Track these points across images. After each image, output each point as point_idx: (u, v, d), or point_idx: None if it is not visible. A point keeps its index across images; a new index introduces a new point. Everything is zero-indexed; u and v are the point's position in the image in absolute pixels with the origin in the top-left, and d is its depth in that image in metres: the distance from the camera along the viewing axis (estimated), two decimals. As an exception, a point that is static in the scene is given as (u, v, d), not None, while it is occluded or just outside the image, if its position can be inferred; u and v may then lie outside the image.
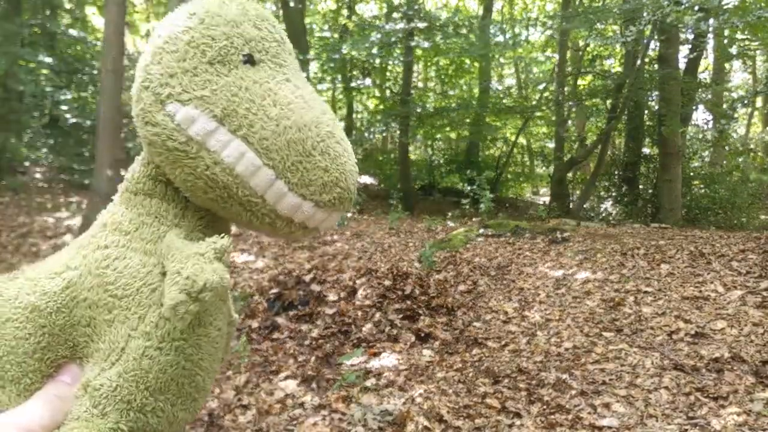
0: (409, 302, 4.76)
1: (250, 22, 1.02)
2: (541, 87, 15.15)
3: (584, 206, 12.69)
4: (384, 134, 19.08)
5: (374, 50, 12.52)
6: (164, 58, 1.05)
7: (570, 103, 13.65)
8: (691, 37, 11.37)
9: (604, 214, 12.39)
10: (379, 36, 12.74)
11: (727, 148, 13.71)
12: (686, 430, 2.89)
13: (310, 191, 0.93)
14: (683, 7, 8.55)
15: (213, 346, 1.10)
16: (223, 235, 1.04)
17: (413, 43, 12.59)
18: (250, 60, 0.98)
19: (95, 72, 11.37)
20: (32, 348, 1.05)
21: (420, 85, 20.36)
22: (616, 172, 13.32)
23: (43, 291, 1.06)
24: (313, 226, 0.97)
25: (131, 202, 1.09)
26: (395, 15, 12.79)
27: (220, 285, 0.96)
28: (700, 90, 12.00)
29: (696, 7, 8.71)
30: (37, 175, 10.87)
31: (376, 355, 3.99)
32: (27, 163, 11.02)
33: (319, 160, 0.92)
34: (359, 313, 4.58)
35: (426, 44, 13.04)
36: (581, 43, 14.23)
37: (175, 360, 1.04)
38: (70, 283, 1.06)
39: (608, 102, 13.05)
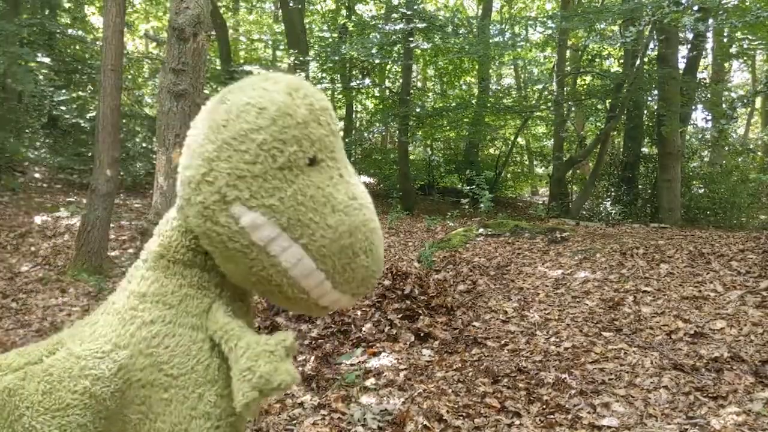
0: (408, 302, 4.76)
1: (316, 119, 1.01)
2: (540, 87, 15.14)
3: (583, 206, 12.69)
4: (383, 134, 19.06)
5: (374, 50, 12.51)
6: (234, 158, 1.00)
7: (569, 102, 13.65)
8: (690, 36, 11.38)
9: (603, 214, 12.38)
10: (378, 36, 12.74)
11: (726, 148, 13.71)
12: (686, 429, 2.89)
13: (351, 287, 0.98)
14: (683, 7, 8.55)
15: (246, 414, 1.13)
16: (288, 329, 1.08)
17: (413, 44, 12.58)
18: (313, 161, 0.98)
19: (94, 72, 11.35)
20: None
21: (419, 84, 20.35)
22: (615, 172, 13.31)
23: (96, 376, 1.03)
24: (335, 308, 1.04)
25: (170, 270, 1.06)
26: (394, 15, 12.77)
27: (293, 383, 0.99)
28: (699, 90, 12.00)
29: (695, 7, 8.71)
30: (36, 175, 10.85)
31: (375, 354, 3.99)
32: (26, 163, 11.00)
33: (363, 260, 0.97)
34: (359, 312, 4.58)
35: (425, 45, 13.03)
36: (581, 41, 14.23)
37: None
38: (122, 366, 1.04)
39: (607, 102, 13.04)
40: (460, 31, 13.36)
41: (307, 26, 15.98)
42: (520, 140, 17.21)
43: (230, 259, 1.02)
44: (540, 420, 3.05)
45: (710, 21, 9.31)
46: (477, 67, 15.62)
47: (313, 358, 4.02)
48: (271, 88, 1.01)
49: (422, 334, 4.35)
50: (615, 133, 13.85)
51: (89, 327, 1.11)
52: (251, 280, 1.02)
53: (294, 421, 3.07)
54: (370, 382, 3.53)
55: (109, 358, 1.08)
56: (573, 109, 14.36)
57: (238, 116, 0.99)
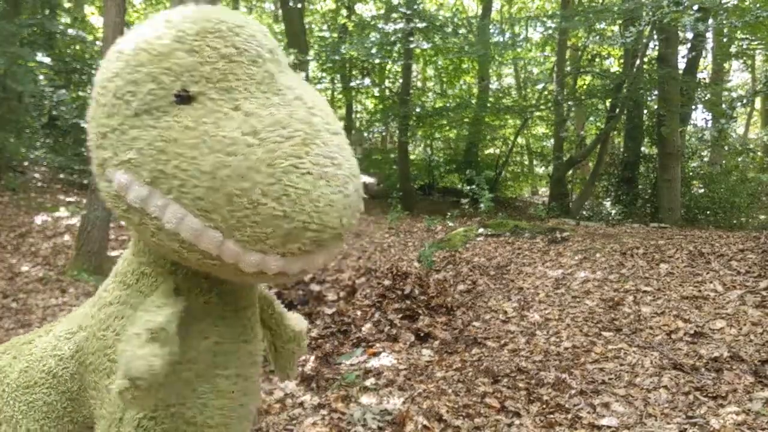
0: (408, 302, 4.76)
1: (185, 47, 0.82)
2: (540, 87, 15.14)
3: (583, 206, 12.69)
4: (383, 134, 19.07)
5: (373, 50, 12.51)
6: (97, 115, 0.86)
7: (569, 102, 13.65)
8: (690, 36, 11.38)
9: (603, 214, 12.38)
10: (378, 36, 12.74)
11: (726, 147, 13.70)
12: (685, 429, 2.89)
13: (270, 245, 0.75)
14: (682, 7, 8.55)
15: (227, 396, 1.00)
16: (164, 304, 0.89)
17: (413, 44, 12.58)
18: (183, 98, 0.80)
19: (94, 72, 11.36)
20: (61, 413, 1.01)
21: (419, 84, 20.35)
22: (615, 172, 13.31)
23: (59, 356, 1.01)
24: (295, 273, 0.81)
25: (138, 248, 0.96)
26: (394, 15, 12.77)
27: (149, 373, 0.80)
28: (699, 90, 12.00)
29: (695, 7, 8.71)
30: (36, 175, 10.85)
31: (375, 354, 3.99)
32: (26, 163, 11.00)
33: (271, 208, 0.73)
34: (358, 312, 4.58)
35: (425, 44, 13.04)
36: (581, 41, 14.23)
37: (173, 427, 0.91)
38: (78, 347, 1.00)
39: (607, 102, 13.04)
40: (460, 31, 13.36)
41: (307, 26, 15.98)
42: (520, 140, 17.21)
43: (130, 226, 0.89)
44: (540, 420, 3.05)
45: (710, 21, 9.31)
46: (477, 66, 15.62)
47: (312, 358, 4.02)
48: (150, 24, 0.86)
49: (422, 334, 4.35)
50: (615, 132, 13.86)
51: (82, 306, 1.11)
52: (162, 252, 0.87)
53: (294, 421, 3.07)
54: (370, 382, 3.53)
55: (72, 340, 1.05)
56: (573, 109, 14.35)
57: (101, 67, 0.89)
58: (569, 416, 3.07)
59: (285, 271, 0.82)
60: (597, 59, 14.75)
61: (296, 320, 1.41)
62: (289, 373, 1.42)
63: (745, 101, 13.01)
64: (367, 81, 15.72)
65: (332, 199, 0.76)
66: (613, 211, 12.09)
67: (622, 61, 13.37)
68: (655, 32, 10.35)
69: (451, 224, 9.05)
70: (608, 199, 13.26)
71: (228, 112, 0.79)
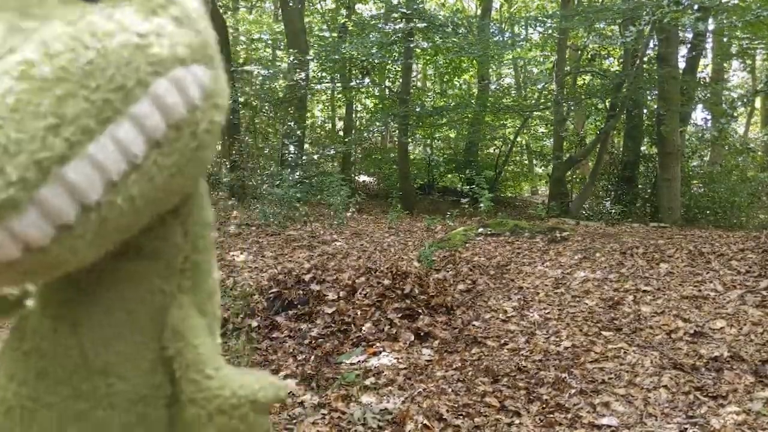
0: (408, 301, 4.76)
1: None
2: (540, 86, 15.15)
3: (583, 205, 12.69)
4: (383, 134, 19.07)
5: (373, 50, 12.52)
6: None
7: (569, 102, 13.65)
8: (690, 36, 11.38)
9: (603, 214, 12.39)
10: (378, 36, 12.74)
11: (726, 147, 13.71)
12: (685, 429, 2.89)
13: None
14: (682, 7, 8.55)
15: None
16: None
17: (413, 44, 12.59)
18: None
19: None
20: None
21: (419, 84, 20.36)
22: (615, 172, 13.31)
23: None
24: None
25: None
26: (394, 15, 12.77)
27: None
28: (699, 89, 12.00)
29: (696, 6, 8.71)
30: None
31: (375, 354, 3.99)
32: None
33: None
34: (359, 312, 4.58)
35: (425, 44, 13.04)
36: (581, 41, 14.23)
37: None
38: None
39: (607, 101, 13.05)
40: (460, 31, 13.36)
41: (307, 26, 15.98)
42: (520, 140, 17.22)
43: None
44: (540, 419, 3.05)
45: (710, 20, 9.32)
46: (476, 65, 15.63)
47: (313, 357, 4.02)
48: None
49: (422, 334, 4.35)
50: (615, 132, 13.86)
51: None
52: None
53: (294, 421, 3.07)
54: (370, 381, 3.54)
55: None
56: (573, 108, 14.36)
57: None
58: (569, 416, 3.07)
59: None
60: (597, 59, 14.76)
61: (243, 380, 0.80)
62: None
63: (745, 101, 13.00)
64: (367, 81, 15.72)
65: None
66: (613, 211, 12.09)
67: (622, 60, 13.37)
68: (655, 32, 10.35)
69: (450, 224, 9.05)
70: (608, 198, 13.26)
71: None
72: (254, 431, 0.79)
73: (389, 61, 14.50)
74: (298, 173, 11.24)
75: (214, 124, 0.75)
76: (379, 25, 13.00)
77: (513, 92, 18.31)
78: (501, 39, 13.51)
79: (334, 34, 15.12)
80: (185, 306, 0.84)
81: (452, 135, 17.37)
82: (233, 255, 6.75)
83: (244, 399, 0.77)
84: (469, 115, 14.67)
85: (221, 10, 14.20)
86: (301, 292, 4.95)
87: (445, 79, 18.17)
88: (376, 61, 13.92)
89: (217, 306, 0.93)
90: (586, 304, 4.79)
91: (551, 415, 3.08)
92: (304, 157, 13.55)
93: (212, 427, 0.78)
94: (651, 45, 11.51)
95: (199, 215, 0.87)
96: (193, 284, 0.87)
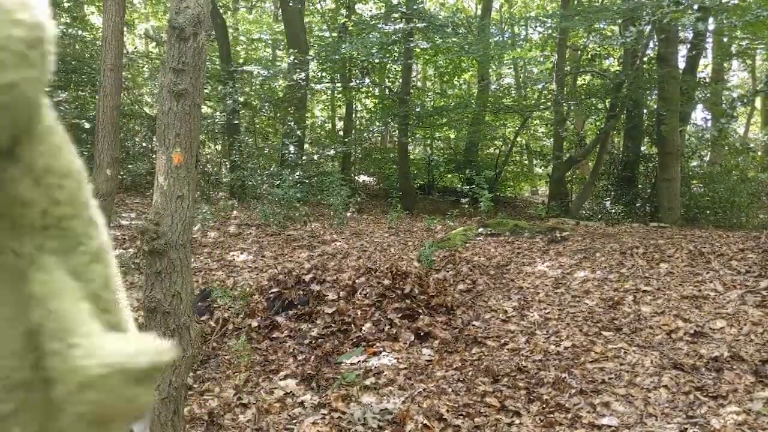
0: (408, 301, 4.76)
1: None
2: (540, 86, 15.14)
3: (583, 205, 12.69)
4: (383, 134, 19.07)
5: (373, 50, 12.51)
6: None
7: (569, 102, 13.65)
8: (690, 36, 11.38)
9: (603, 214, 12.39)
10: (378, 36, 12.74)
11: (726, 147, 13.71)
12: (686, 429, 2.89)
13: None
14: (682, 7, 8.55)
15: None
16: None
17: (413, 44, 12.58)
18: None
19: (94, 71, 11.36)
20: None
21: (419, 84, 20.35)
22: (615, 172, 13.31)
23: None
24: None
25: None
26: (394, 15, 12.78)
27: None
28: (699, 89, 12.00)
29: (695, 6, 8.71)
30: (36, 175, 10.86)
31: (375, 354, 3.99)
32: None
33: None
34: (359, 312, 4.58)
35: (425, 44, 13.03)
36: (581, 41, 14.23)
37: None
38: None
39: (607, 101, 13.05)
40: (460, 31, 13.36)
41: (307, 26, 15.98)
42: (520, 140, 17.22)
43: None
44: (540, 419, 3.05)
45: (710, 20, 9.31)
46: (476, 65, 15.63)
47: (313, 357, 4.02)
48: None
49: (422, 334, 4.35)
50: (615, 132, 13.86)
51: None
52: None
53: (294, 420, 3.07)
54: (370, 381, 3.54)
55: None
56: (573, 108, 14.35)
57: None
58: (569, 416, 3.07)
59: None
60: (597, 59, 14.75)
61: (118, 344, 0.71)
62: None
63: (745, 100, 13.00)
64: (367, 81, 15.72)
65: None
66: (613, 211, 12.09)
67: (621, 60, 13.37)
68: (654, 32, 10.35)
69: (450, 224, 9.05)
70: (608, 198, 13.26)
71: None
72: (133, 406, 0.68)
73: (389, 61, 14.50)
74: (298, 173, 11.24)
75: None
76: (379, 25, 12.99)
77: (513, 92, 18.30)
78: (501, 39, 13.51)
79: (334, 34, 15.12)
80: (49, 268, 0.72)
81: (452, 135, 17.36)
82: (233, 255, 6.75)
83: (113, 368, 0.65)
84: (469, 115, 14.66)
85: (221, 10, 14.21)
86: (301, 292, 4.95)
87: (445, 79, 18.16)
88: (376, 61, 13.92)
89: (109, 271, 0.79)
90: (586, 304, 4.79)
91: (551, 415, 3.08)
92: (304, 157, 13.56)
93: (82, 405, 0.66)
94: (651, 45, 11.51)
95: (53, 162, 0.74)
96: (63, 244, 0.74)
